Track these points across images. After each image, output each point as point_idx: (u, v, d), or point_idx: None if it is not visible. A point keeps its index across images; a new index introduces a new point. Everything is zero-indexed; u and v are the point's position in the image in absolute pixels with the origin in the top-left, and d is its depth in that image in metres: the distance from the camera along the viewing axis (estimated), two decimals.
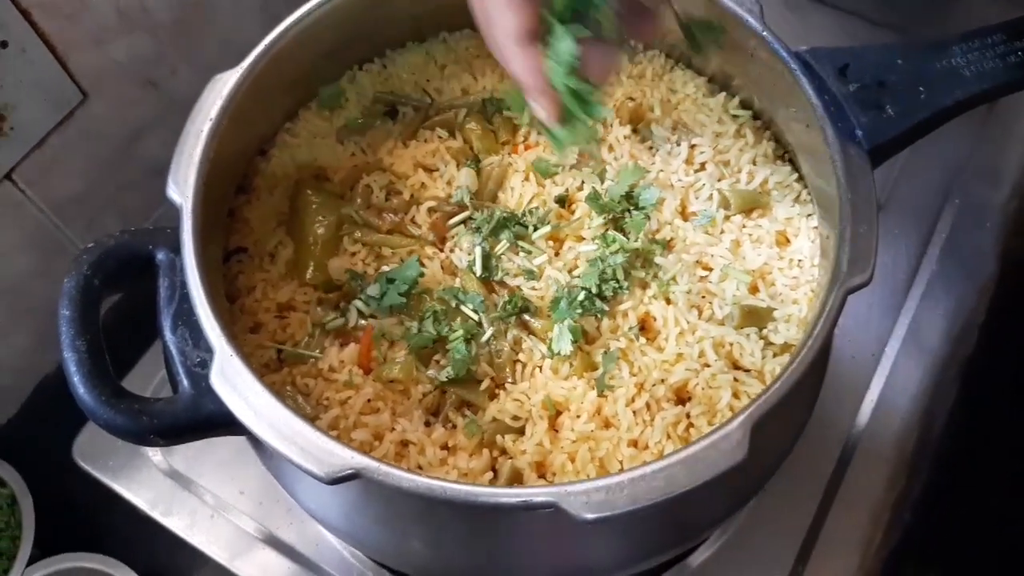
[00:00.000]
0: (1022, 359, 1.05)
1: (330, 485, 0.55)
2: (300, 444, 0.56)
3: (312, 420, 0.68)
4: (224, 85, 0.70)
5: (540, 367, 0.71)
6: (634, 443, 0.68)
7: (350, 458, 0.55)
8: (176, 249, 0.66)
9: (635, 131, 0.83)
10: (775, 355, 0.72)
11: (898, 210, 1.09)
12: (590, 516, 0.54)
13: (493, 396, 0.71)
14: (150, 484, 0.94)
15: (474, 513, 0.56)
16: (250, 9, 1.15)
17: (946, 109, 0.74)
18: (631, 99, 0.84)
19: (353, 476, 0.55)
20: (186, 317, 0.65)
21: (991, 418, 1.02)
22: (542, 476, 0.67)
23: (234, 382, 0.59)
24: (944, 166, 1.11)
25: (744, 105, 0.83)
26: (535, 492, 0.54)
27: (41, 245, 1.04)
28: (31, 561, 0.93)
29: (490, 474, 0.67)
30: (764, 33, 0.72)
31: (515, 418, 0.69)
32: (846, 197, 0.65)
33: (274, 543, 0.91)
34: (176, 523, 0.91)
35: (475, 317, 0.71)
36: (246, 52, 1.11)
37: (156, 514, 0.92)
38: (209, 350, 0.61)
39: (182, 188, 0.65)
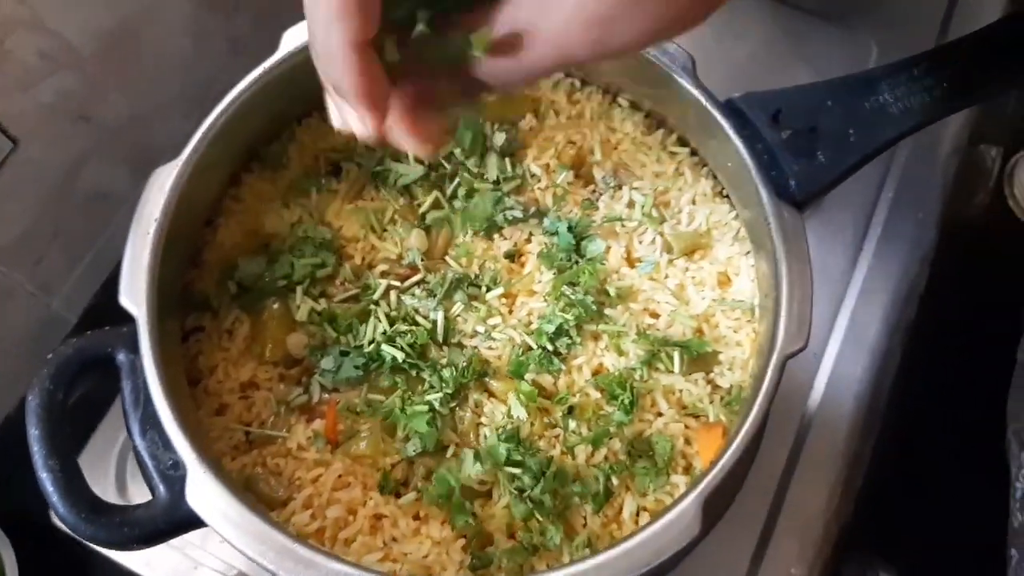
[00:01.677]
0: (955, 352, 1.12)
1: None
2: (281, 555, 0.59)
3: (286, 502, 0.71)
4: (165, 181, 0.70)
5: (502, 429, 0.74)
6: (595, 498, 0.72)
7: (330, 567, 0.58)
8: (134, 349, 0.67)
9: (578, 176, 0.84)
10: (722, 398, 0.76)
11: (834, 207, 1.12)
12: None
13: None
14: None
15: None
16: (174, 25, 1.12)
17: (876, 149, 0.77)
18: (571, 143, 0.85)
19: None
20: (153, 420, 0.66)
21: (929, 412, 1.09)
22: (512, 537, 0.71)
23: (210, 499, 0.61)
24: (878, 158, 1.14)
25: (681, 142, 0.85)
26: None
27: None
28: None
29: (462, 541, 0.71)
30: (696, 92, 0.74)
31: (482, 482, 0.73)
32: (781, 263, 0.68)
33: None
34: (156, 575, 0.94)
35: (437, 397, 0.73)
36: (175, 71, 1.08)
37: (136, 566, 0.95)
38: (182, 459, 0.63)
39: (135, 297, 0.66)
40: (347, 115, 0.52)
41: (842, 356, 1.05)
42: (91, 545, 0.96)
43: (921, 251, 1.12)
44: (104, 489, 0.99)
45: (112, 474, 0.96)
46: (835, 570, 0.98)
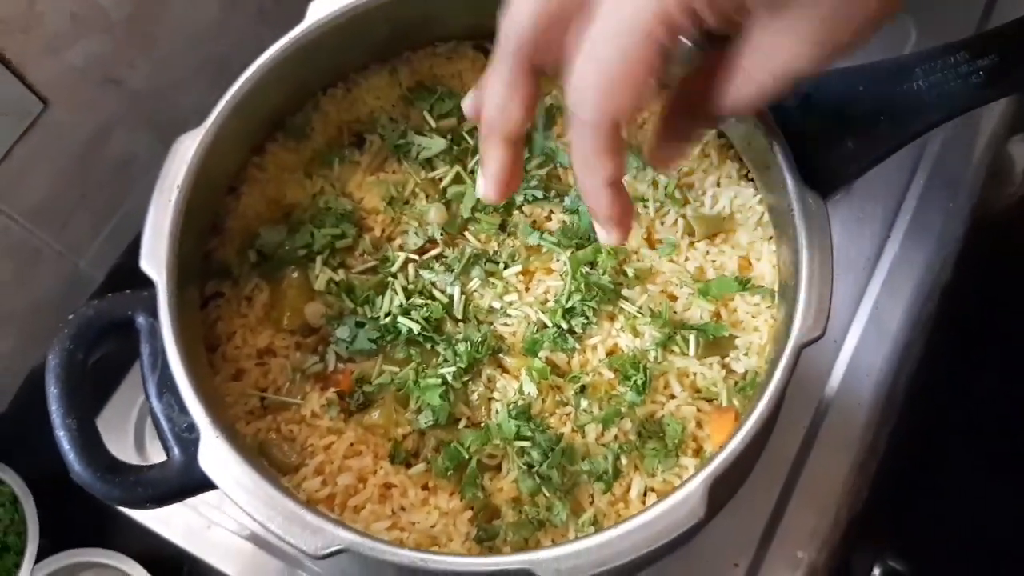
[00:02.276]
0: (979, 346, 1.10)
1: (319, 560, 0.59)
2: (289, 520, 0.60)
3: (298, 467, 0.72)
4: (187, 148, 0.70)
5: (513, 405, 0.74)
6: (603, 477, 0.72)
7: (336, 535, 0.59)
8: (154, 313, 0.68)
9: None
10: (736, 383, 0.76)
11: (863, 194, 1.10)
12: None
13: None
14: None
15: None
16: None
17: (907, 138, 0.75)
18: None
19: (340, 551, 0.59)
20: (170, 383, 0.67)
21: (948, 406, 1.08)
22: (519, 511, 0.72)
23: (223, 463, 0.62)
24: (911, 146, 1.12)
25: None
26: (510, 560, 0.59)
27: (16, 252, 1.06)
28: (41, 555, 0.99)
29: (469, 513, 0.71)
30: None
31: (491, 456, 0.73)
32: (803, 251, 0.67)
33: (270, 548, 0.96)
34: (173, 532, 0.96)
35: (451, 371, 0.73)
36: (202, 38, 1.09)
37: (152, 524, 0.97)
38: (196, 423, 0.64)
39: (156, 264, 0.67)
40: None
41: (863, 344, 1.04)
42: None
43: (949, 242, 1.11)
44: (123, 449, 1.01)
45: (131, 434, 0.98)
46: (845, 559, 0.98)
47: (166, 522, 0.98)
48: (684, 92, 0.59)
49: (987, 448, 1.09)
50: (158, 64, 1.11)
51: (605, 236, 0.59)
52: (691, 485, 0.60)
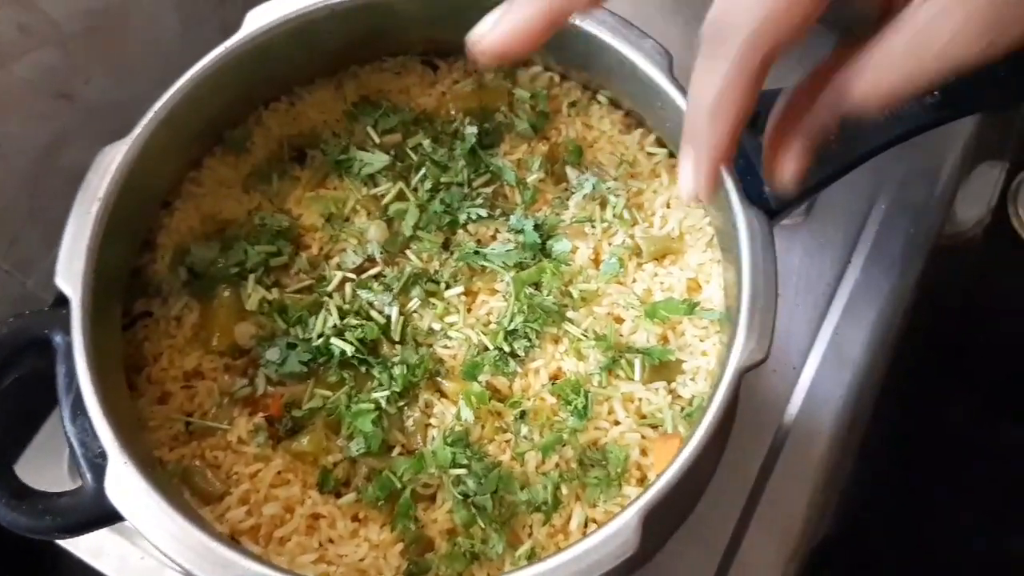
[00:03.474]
0: (940, 370, 1.08)
1: None
2: (199, 554, 0.57)
3: (222, 496, 0.69)
4: (111, 160, 0.67)
5: (450, 431, 0.71)
6: (542, 507, 0.69)
7: (247, 569, 0.56)
8: (70, 332, 0.65)
9: (550, 172, 0.81)
10: (682, 409, 0.73)
11: (825, 218, 1.09)
12: None
13: None
14: None
15: None
16: (164, 8, 1.10)
17: (859, 158, 0.73)
18: (546, 139, 0.83)
19: None
20: (83, 406, 0.64)
21: (909, 436, 1.06)
22: (453, 543, 0.69)
23: (129, 490, 0.58)
24: (871, 166, 1.10)
25: (659, 143, 0.82)
26: None
27: None
28: None
29: (400, 545, 0.68)
30: (672, 91, 0.70)
31: (426, 485, 0.70)
32: (746, 271, 0.65)
33: None
34: (106, 566, 0.92)
35: (385, 395, 0.70)
36: (163, 52, 1.06)
37: (86, 556, 0.93)
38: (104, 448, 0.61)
39: (71, 279, 0.64)
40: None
41: (822, 371, 1.02)
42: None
43: (911, 268, 1.09)
44: (57, 475, 0.97)
45: (64, 462, 0.94)
46: None
47: (97, 554, 0.94)
48: (807, 87, 0.55)
49: (951, 477, 1.06)
50: (115, 79, 1.09)
51: (692, 184, 0.54)
52: (625, 515, 0.57)
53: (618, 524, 0.57)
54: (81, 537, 0.94)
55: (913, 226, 1.11)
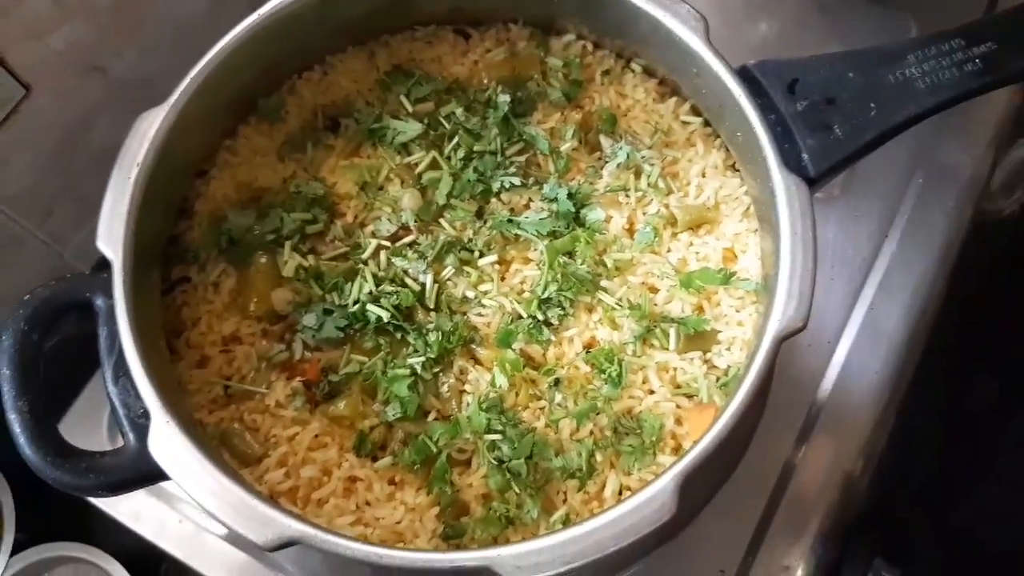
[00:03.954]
0: (979, 345, 1.07)
1: (269, 552, 0.56)
2: (239, 510, 0.58)
3: (261, 458, 0.70)
4: (150, 125, 0.68)
5: (485, 398, 0.71)
6: (577, 474, 0.69)
7: (288, 526, 0.57)
8: (112, 295, 0.66)
9: (584, 141, 0.81)
10: (718, 379, 0.73)
11: (861, 192, 1.07)
12: None
13: None
14: None
15: (412, 573, 0.57)
16: None
17: (897, 126, 0.72)
18: (579, 107, 0.82)
19: (290, 543, 0.56)
20: (127, 368, 0.65)
21: (944, 412, 1.04)
22: (488, 507, 0.69)
23: (172, 448, 0.59)
24: (909, 141, 1.09)
25: (694, 111, 0.81)
26: (468, 557, 0.56)
27: None
28: (17, 548, 0.96)
29: (436, 509, 0.69)
30: (708, 56, 0.70)
31: (461, 451, 0.71)
32: (784, 238, 0.64)
33: (240, 543, 0.93)
34: (145, 528, 0.94)
35: (420, 361, 0.71)
36: (192, 28, 1.07)
37: (126, 519, 0.95)
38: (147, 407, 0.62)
39: (112, 242, 0.64)
40: None
41: (858, 346, 1.01)
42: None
43: (949, 244, 1.07)
44: (96, 437, 0.99)
45: (104, 424, 0.96)
46: (835, 567, 0.95)
47: (136, 516, 0.96)
48: None
49: (984, 453, 1.05)
50: (145, 53, 1.10)
51: None
52: (661, 481, 0.57)
53: (655, 489, 0.57)
54: (121, 501, 0.96)
55: (952, 200, 1.09)
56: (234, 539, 0.95)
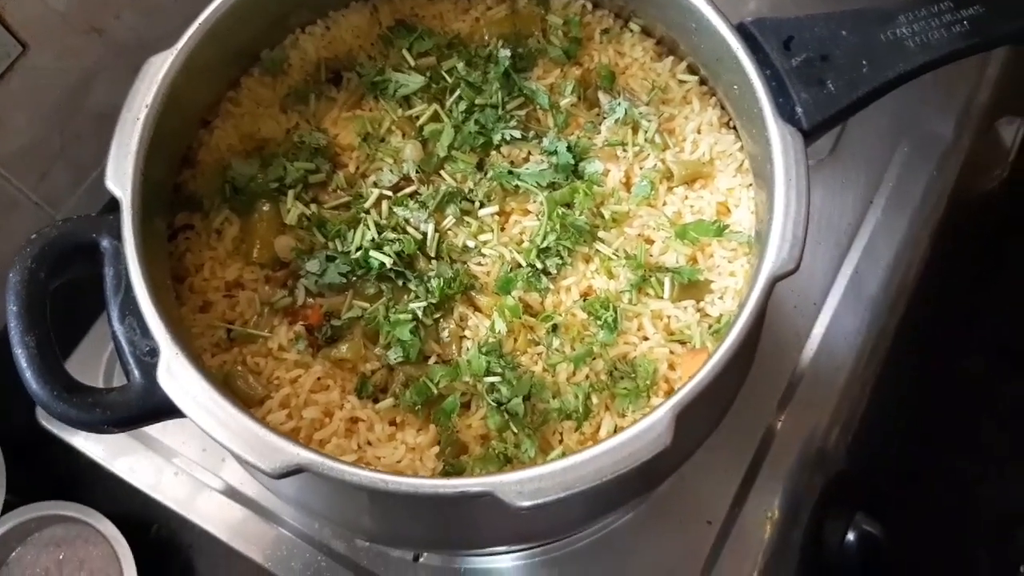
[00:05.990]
0: (962, 307, 1.09)
1: (276, 479, 0.58)
2: (247, 439, 0.59)
3: (263, 400, 0.71)
4: (158, 68, 0.69)
5: (484, 342, 0.73)
6: (573, 415, 0.71)
7: (295, 454, 0.58)
8: (119, 236, 0.67)
9: (583, 97, 0.83)
10: (710, 326, 0.75)
11: (848, 158, 1.10)
12: (524, 503, 0.57)
13: None
14: (116, 443, 0.97)
15: (417, 500, 0.59)
16: None
17: (888, 83, 0.74)
18: (578, 64, 0.84)
19: (298, 471, 0.58)
20: (133, 307, 0.66)
21: (928, 373, 1.07)
22: (487, 447, 0.71)
23: (181, 380, 0.60)
24: (895, 110, 1.11)
25: (691, 70, 0.83)
26: (472, 483, 0.58)
27: None
28: (6, 509, 0.97)
29: (436, 448, 0.70)
30: (706, 11, 0.71)
31: (461, 394, 0.72)
32: (779, 184, 0.66)
33: (236, 496, 0.95)
34: (142, 481, 0.95)
35: (421, 306, 0.72)
36: None
37: (122, 472, 0.96)
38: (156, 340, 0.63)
39: (121, 181, 0.65)
40: None
41: (842, 308, 1.03)
42: (79, 451, 0.99)
43: (932, 212, 1.10)
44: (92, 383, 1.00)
45: (101, 370, 0.96)
46: (818, 522, 0.98)
47: (132, 470, 0.97)
48: None
49: (964, 413, 1.08)
50: (143, 16, 1.10)
51: None
52: (659, 412, 0.59)
53: (653, 419, 0.59)
54: (117, 455, 0.97)
55: (935, 170, 1.12)
56: (230, 492, 0.97)
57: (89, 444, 0.98)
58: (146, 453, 0.96)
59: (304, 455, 0.58)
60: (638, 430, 0.59)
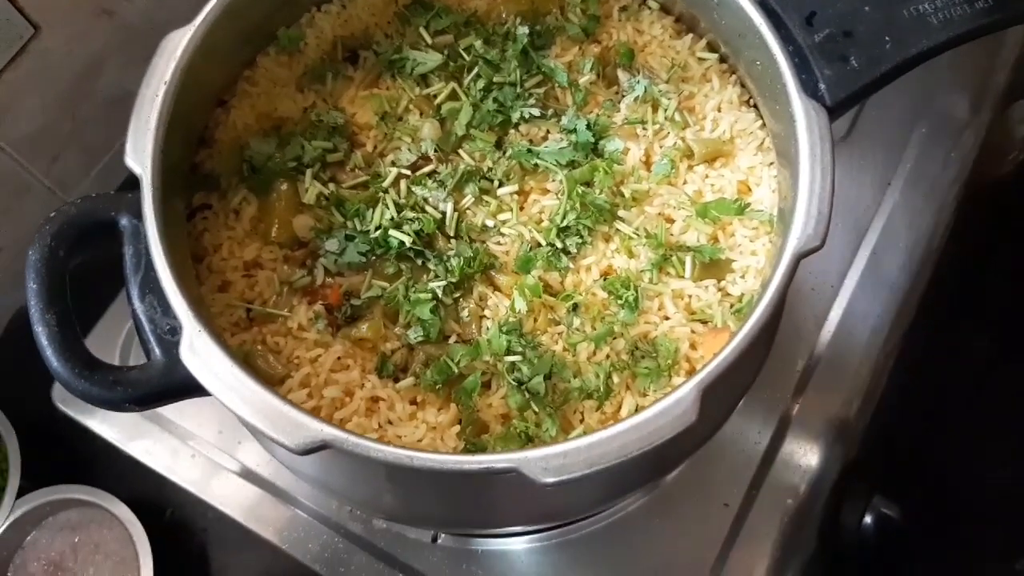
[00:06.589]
0: (977, 291, 1.09)
1: (300, 456, 0.58)
2: (271, 416, 0.59)
3: (283, 379, 0.71)
4: (177, 45, 0.68)
5: (504, 322, 0.73)
6: (594, 394, 0.71)
7: (319, 430, 0.58)
8: (138, 214, 0.66)
9: (601, 75, 0.82)
10: (732, 306, 0.74)
11: (865, 140, 1.09)
12: (549, 480, 0.57)
13: None
14: (132, 425, 0.97)
15: (441, 477, 0.59)
16: None
17: (911, 59, 0.74)
18: (597, 42, 0.83)
19: (322, 447, 0.57)
20: (153, 285, 0.65)
21: (946, 355, 1.07)
22: (508, 426, 0.70)
23: (204, 356, 0.60)
24: (912, 92, 1.11)
25: (711, 48, 0.82)
26: (497, 459, 0.57)
27: (5, 184, 1.04)
28: (20, 493, 0.97)
29: (457, 427, 0.70)
30: None
31: (482, 373, 0.72)
32: (804, 160, 0.65)
33: (252, 478, 0.95)
34: (158, 462, 0.95)
35: (441, 285, 0.72)
36: None
37: (138, 454, 0.96)
38: (178, 317, 0.63)
39: (140, 157, 0.65)
40: None
41: (860, 290, 1.03)
42: (94, 432, 0.99)
43: (949, 194, 1.09)
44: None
45: (117, 352, 0.96)
46: (836, 505, 0.97)
47: (148, 452, 0.97)
48: None
49: (982, 396, 1.07)
50: (157, 1, 1.10)
51: None
52: (685, 388, 0.59)
53: (678, 395, 0.58)
54: (133, 437, 0.97)
55: (952, 152, 1.11)
56: (246, 473, 0.96)
57: (104, 426, 0.98)
58: (162, 435, 0.96)
59: (328, 431, 0.58)
60: (663, 406, 0.58)
